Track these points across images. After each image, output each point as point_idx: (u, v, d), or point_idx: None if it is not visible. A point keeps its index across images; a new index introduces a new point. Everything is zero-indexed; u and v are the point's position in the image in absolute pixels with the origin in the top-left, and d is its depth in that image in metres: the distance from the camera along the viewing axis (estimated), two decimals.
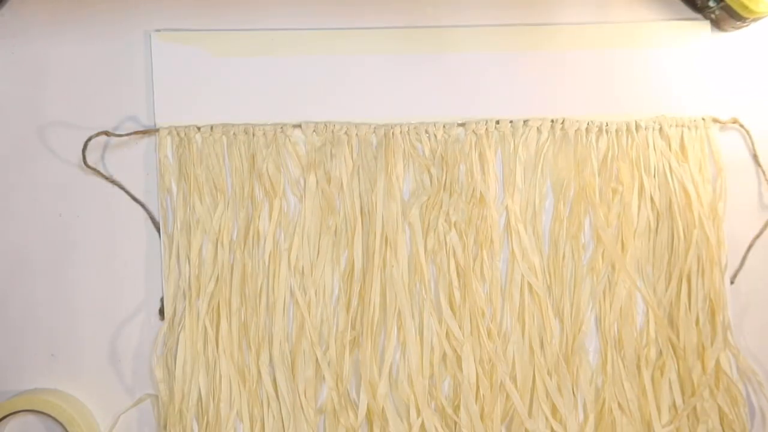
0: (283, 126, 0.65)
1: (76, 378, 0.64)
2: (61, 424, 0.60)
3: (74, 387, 0.64)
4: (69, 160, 0.65)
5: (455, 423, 0.63)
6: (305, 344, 0.63)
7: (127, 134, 0.64)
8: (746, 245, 0.68)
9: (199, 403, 0.63)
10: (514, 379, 0.64)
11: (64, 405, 0.61)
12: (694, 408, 0.64)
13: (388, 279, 0.63)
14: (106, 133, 0.64)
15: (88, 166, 0.64)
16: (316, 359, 0.63)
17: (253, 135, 0.65)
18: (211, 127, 0.65)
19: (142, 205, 0.65)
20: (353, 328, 0.63)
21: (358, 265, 0.64)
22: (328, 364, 0.63)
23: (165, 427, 0.62)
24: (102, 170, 0.65)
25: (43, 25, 0.66)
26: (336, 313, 0.64)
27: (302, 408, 0.62)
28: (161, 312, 0.64)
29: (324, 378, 0.63)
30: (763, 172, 0.69)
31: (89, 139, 0.63)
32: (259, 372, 0.63)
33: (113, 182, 0.65)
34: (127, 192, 0.65)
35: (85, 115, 0.65)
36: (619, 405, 0.64)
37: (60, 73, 0.65)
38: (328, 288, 0.64)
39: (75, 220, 0.65)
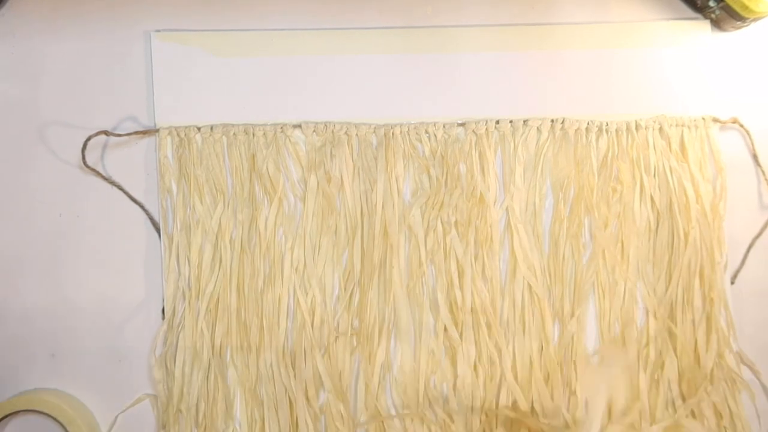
0: (283, 126, 0.65)
1: (76, 378, 0.64)
2: (61, 424, 0.60)
3: (74, 387, 0.64)
4: (69, 160, 0.65)
5: (454, 423, 0.63)
6: (305, 344, 0.63)
7: (127, 134, 0.64)
8: (746, 245, 0.68)
9: (198, 404, 0.63)
10: (514, 379, 0.64)
11: (64, 405, 0.61)
12: (692, 408, 0.64)
13: (388, 279, 0.63)
14: (106, 133, 0.64)
15: (88, 167, 0.64)
16: (316, 359, 0.63)
17: (253, 135, 0.65)
18: (211, 127, 0.65)
19: (141, 206, 0.65)
20: (353, 328, 0.63)
21: (357, 266, 0.64)
22: (327, 365, 0.63)
23: (164, 427, 0.62)
24: (101, 170, 0.65)
25: (43, 25, 0.66)
26: (336, 313, 0.64)
27: (302, 408, 0.62)
28: (165, 312, 0.64)
29: (323, 378, 0.63)
30: (763, 172, 0.69)
31: (88, 139, 0.63)
32: (258, 372, 0.63)
33: (112, 183, 0.64)
34: (126, 192, 0.65)
35: (85, 115, 0.65)
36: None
37: (60, 72, 0.65)
38: (328, 288, 0.64)
39: (75, 220, 0.65)
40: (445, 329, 0.63)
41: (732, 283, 0.67)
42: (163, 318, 0.64)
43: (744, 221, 0.68)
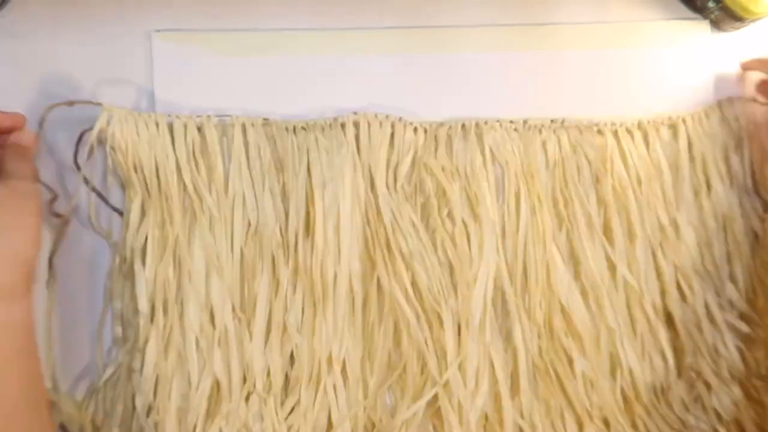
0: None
1: (76, 378, 0.63)
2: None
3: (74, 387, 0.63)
4: (70, 160, 0.64)
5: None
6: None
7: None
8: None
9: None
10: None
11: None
12: None
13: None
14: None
15: (76, 163, 0.63)
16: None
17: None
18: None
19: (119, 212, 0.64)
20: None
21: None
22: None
23: None
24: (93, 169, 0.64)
25: (43, 26, 0.66)
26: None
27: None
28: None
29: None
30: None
31: (83, 134, 0.63)
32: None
33: (93, 188, 0.64)
34: (104, 199, 0.64)
35: (86, 116, 0.65)
36: None
37: (61, 73, 0.65)
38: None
39: (75, 220, 0.65)
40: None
41: None
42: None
43: None
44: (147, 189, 0.62)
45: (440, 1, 0.67)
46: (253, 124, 0.63)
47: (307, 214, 0.63)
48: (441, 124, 0.65)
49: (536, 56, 0.67)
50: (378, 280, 0.62)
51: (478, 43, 0.67)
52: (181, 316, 0.61)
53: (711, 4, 0.67)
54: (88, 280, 0.64)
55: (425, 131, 0.65)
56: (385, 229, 0.62)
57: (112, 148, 0.62)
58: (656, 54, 0.68)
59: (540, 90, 0.67)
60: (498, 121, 0.65)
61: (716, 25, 0.69)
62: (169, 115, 0.63)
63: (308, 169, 0.63)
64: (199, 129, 0.63)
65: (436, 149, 0.64)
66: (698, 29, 0.68)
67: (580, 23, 0.68)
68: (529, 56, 0.67)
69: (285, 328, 0.61)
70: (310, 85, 0.66)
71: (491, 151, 0.65)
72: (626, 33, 0.68)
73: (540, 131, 0.65)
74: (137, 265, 0.61)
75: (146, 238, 0.62)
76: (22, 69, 0.65)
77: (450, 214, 0.63)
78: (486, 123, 0.65)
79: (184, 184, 0.62)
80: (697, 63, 0.68)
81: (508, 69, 0.67)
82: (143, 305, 0.61)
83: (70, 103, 0.62)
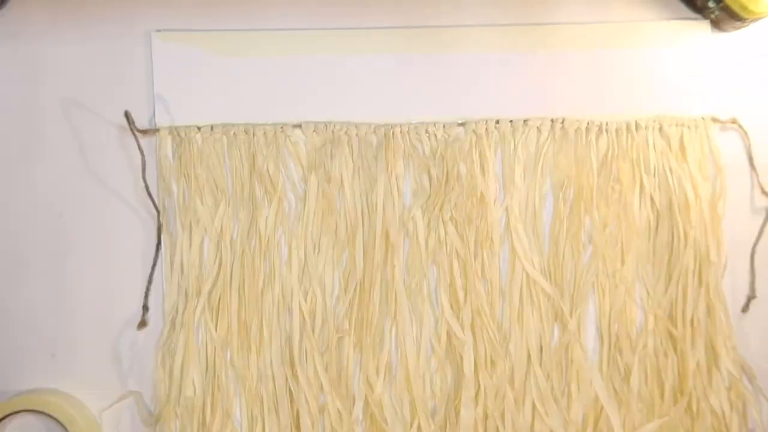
0: (283, 126, 0.65)
1: (76, 378, 0.64)
2: (61, 424, 0.60)
3: (74, 387, 0.64)
4: (69, 160, 0.65)
5: (455, 421, 0.63)
6: (306, 344, 0.63)
7: (142, 130, 0.64)
8: (742, 244, 0.68)
9: (196, 403, 0.62)
10: (512, 379, 0.63)
11: (65, 405, 0.61)
12: (692, 408, 0.64)
13: (388, 279, 0.63)
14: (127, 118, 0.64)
15: (139, 130, 0.63)
16: (315, 359, 0.62)
17: (254, 135, 0.65)
18: (212, 127, 0.65)
19: (155, 205, 0.64)
20: (353, 327, 0.63)
21: (359, 265, 0.64)
22: (327, 365, 0.63)
23: (156, 424, 0.62)
24: (101, 170, 0.64)
25: (43, 26, 0.66)
26: (336, 313, 0.64)
27: (303, 408, 0.62)
28: (144, 309, 0.64)
29: (321, 379, 0.62)
30: (756, 174, 0.68)
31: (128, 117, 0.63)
32: (259, 372, 0.63)
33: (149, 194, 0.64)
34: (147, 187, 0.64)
35: (86, 116, 0.65)
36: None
37: (60, 73, 0.65)
38: (328, 288, 0.64)
39: (75, 220, 0.65)
40: (447, 329, 0.63)
41: (744, 311, 0.67)
42: (143, 314, 0.64)
43: (741, 221, 0.68)
44: (208, 196, 0.64)
45: (440, 1, 0.67)
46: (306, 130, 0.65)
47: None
48: (476, 123, 0.65)
49: (536, 56, 0.67)
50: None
51: (478, 43, 0.67)
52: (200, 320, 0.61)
53: (711, 4, 0.67)
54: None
55: (465, 127, 0.66)
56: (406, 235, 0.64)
57: (174, 157, 0.64)
58: (656, 54, 0.68)
59: (540, 90, 0.67)
60: (529, 120, 0.66)
61: (716, 25, 0.68)
62: (224, 125, 0.64)
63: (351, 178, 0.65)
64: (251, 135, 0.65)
65: (472, 152, 0.65)
66: (698, 29, 0.68)
67: (580, 23, 0.68)
68: (529, 56, 0.67)
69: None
70: (311, 85, 0.66)
71: (525, 154, 0.66)
72: (626, 33, 0.68)
73: (586, 132, 0.66)
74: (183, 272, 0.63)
75: (194, 245, 0.64)
76: (22, 69, 0.65)
77: (474, 232, 0.65)
78: (525, 122, 0.66)
79: (242, 191, 0.64)
80: (697, 63, 0.68)
81: (508, 69, 0.67)
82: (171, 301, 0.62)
83: (127, 113, 0.63)
